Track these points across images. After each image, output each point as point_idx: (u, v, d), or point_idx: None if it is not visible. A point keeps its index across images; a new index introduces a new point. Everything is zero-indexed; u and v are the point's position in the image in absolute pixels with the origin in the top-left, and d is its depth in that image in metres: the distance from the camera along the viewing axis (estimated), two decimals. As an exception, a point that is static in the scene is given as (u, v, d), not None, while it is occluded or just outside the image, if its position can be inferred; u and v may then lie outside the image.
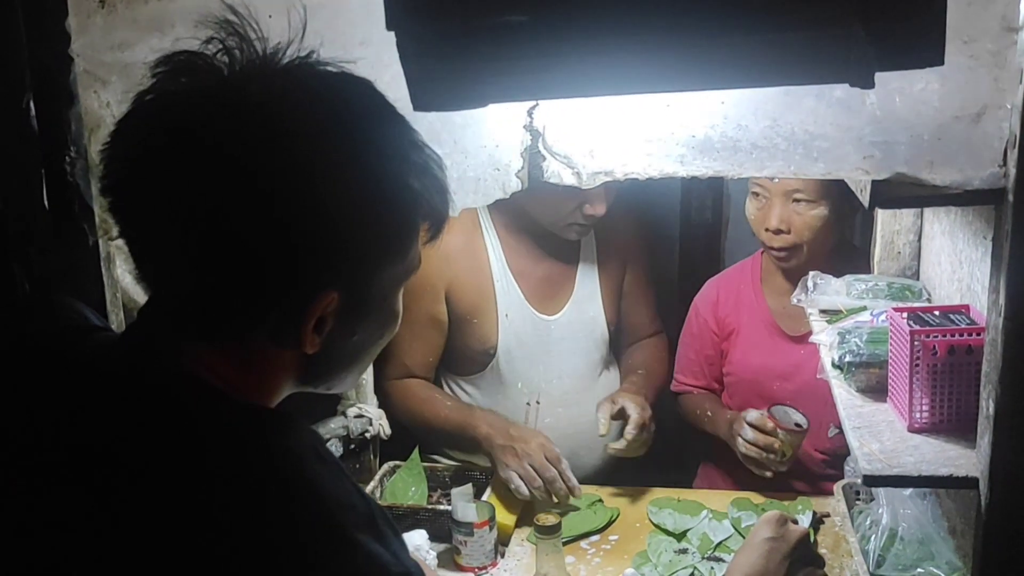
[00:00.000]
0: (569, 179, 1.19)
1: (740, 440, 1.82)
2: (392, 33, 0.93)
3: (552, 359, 2.02)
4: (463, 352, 2.03)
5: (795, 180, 1.81)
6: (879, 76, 0.90)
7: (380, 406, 2.00)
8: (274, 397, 0.82)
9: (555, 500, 1.79)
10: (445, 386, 2.08)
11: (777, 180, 1.83)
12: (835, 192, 1.81)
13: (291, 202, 0.71)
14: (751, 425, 1.81)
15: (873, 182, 1.08)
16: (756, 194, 1.92)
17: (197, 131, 0.72)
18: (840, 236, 1.92)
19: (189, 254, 0.72)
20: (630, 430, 1.87)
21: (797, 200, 1.85)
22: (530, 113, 1.18)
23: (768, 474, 1.83)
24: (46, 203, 1.23)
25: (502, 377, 2.01)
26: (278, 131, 0.72)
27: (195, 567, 0.68)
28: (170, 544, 0.68)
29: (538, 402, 2.01)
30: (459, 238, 1.98)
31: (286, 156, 0.71)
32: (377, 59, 0.98)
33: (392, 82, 0.89)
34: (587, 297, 2.05)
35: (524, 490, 1.78)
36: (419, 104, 0.96)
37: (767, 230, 1.90)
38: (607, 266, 2.08)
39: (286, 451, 0.74)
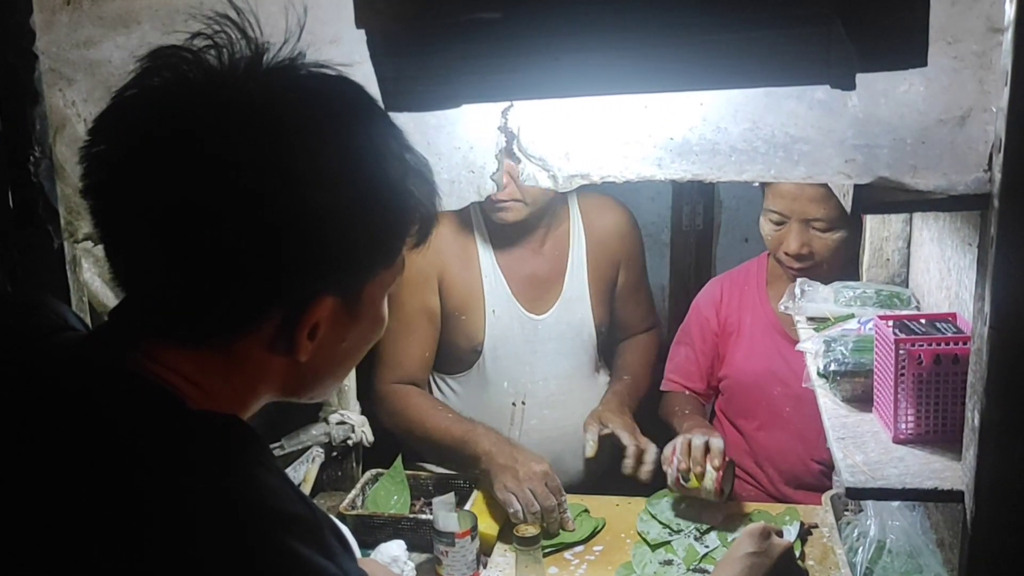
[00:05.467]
0: (545, 182, 1.16)
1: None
2: (362, 31, 0.91)
3: (538, 359, 2.00)
4: (450, 350, 2.01)
5: (814, 209, 1.79)
6: (861, 78, 0.88)
7: (369, 411, 1.97)
8: (251, 404, 0.80)
9: (544, 526, 1.72)
10: (433, 384, 2.06)
11: (795, 206, 1.81)
12: (850, 216, 1.78)
13: (286, 205, 0.69)
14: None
15: (856, 187, 1.06)
16: (772, 220, 1.88)
17: (185, 129, 0.69)
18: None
19: (174, 256, 0.70)
20: (627, 463, 1.82)
21: (816, 228, 1.82)
22: (504, 114, 1.16)
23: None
24: (11, 204, 1.20)
25: (488, 376, 1.99)
26: (274, 131, 0.69)
27: None
28: (96, 555, 0.65)
29: (523, 403, 1.98)
30: (450, 230, 1.96)
31: (280, 157, 0.69)
32: (348, 58, 0.95)
33: (363, 82, 0.86)
34: (576, 298, 2.03)
35: (521, 514, 1.70)
36: (391, 104, 0.95)
37: (787, 254, 1.87)
38: (598, 268, 2.05)
39: (226, 458, 0.71)
